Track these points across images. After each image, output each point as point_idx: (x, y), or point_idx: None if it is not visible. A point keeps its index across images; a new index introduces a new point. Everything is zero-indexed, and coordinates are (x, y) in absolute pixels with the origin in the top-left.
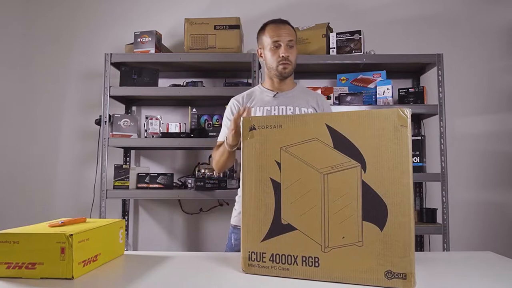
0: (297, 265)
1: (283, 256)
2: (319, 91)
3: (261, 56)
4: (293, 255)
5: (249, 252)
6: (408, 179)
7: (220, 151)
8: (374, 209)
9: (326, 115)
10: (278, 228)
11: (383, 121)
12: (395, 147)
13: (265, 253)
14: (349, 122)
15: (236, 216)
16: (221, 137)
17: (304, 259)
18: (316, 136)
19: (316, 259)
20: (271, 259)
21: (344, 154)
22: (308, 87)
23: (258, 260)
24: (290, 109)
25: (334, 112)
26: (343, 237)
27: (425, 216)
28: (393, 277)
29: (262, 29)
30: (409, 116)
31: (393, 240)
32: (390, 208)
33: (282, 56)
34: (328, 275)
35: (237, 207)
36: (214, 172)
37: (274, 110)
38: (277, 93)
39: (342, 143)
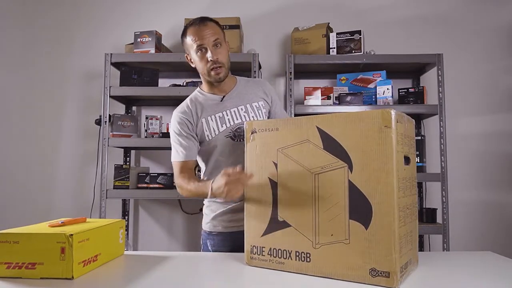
0: (291, 259)
1: (279, 251)
2: (319, 91)
3: (191, 62)
4: (288, 250)
5: (251, 245)
6: (392, 179)
7: (198, 192)
8: (359, 208)
9: (317, 118)
10: (275, 224)
11: (368, 122)
12: (380, 148)
13: (264, 247)
14: (337, 123)
15: (209, 222)
16: (177, 157)
17: (297, 254)
18: (308, 138)
19: (308, 255)
20: (269, 253)
21: (333, 155)
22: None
23: (259, 253)
24: (242, 109)
25: (325, 115)
26: (332, 235)
27: (425, 216)
28: (377, 275)
29: (184, 33)
30: (393, 116)
31: (377, 239)
32: (375, 207)
33: (211, 60)
34: (318, 270)
35: (208, 212)
36: None
37: (227, 115)
38: (224, 96)
39: (331, 144)
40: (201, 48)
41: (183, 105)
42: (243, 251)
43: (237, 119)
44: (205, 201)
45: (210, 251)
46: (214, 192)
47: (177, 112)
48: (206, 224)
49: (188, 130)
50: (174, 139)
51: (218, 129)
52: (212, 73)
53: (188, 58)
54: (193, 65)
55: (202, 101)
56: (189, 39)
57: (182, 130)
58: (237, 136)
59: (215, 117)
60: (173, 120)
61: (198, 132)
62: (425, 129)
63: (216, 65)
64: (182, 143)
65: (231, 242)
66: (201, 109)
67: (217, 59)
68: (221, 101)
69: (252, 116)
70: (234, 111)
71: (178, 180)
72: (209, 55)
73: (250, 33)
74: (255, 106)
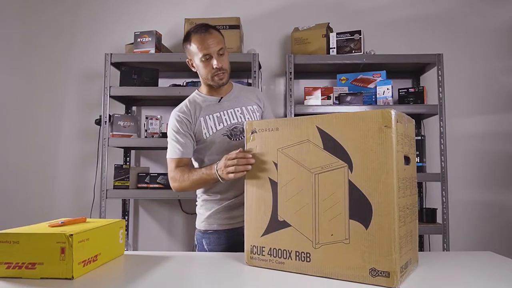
0: (291, 259)
1: (279, 251)
2: (319, 91)
3: (193, 66)
4: (288, 250)
5: (251, 245)
6: (392, 179)
7: (202, 177)
8: (360, 208)
9: (317, 118)
10: (275, 224)
11: (368, 122)
12: (379, 148)
13: (264, 247)
14: (337, 124)
15: (203, 220)
16: (173, 154)
17: (297, 254)
18: (308, 138)
19: (308, 255)
20: (269, 253)
21: (333, 155)
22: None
23: (259, 253)
24: (238, 110)
25: (325, 115)
26: (332, 235)
27: (425, 216)
28: (377, 275)
29: (187, 39)
30: (393, 116)
31: (377, 239)
32: (375, 207)
33: (216, 68)
34: (318, 271)
35: (202, 211)
36: None
37: (225, 115)
38: (222, 97)
39: (331, 145)
40: (207, 57)
41: (182, 105)
42: (239, 249)
43: (233, 119)
44: (199, 201)
45: (206, 250)
46: (221, 174)
47: (176, 111)
48: (201, 223)
49: (186, 128)
50: (171, 137)
51: (216, 128)
52: (216, 78)
53: (190, 63)
54: (194, 70)
55: (200, 102)
56: (193, 47)
57: (180, 128)
58: (233, 135)
59: (213, 116)
60: (172, 118)
61: (196, 131)
62: (425, 129)
63: (220, 71)
64: (180, 140)
65: (227, 239)
66: (199, 109)
67: (221, 67)
68: (219, 102)
69: (248, 118)
70: (231, 111)
71: (172, 173)
72: (214, 63)
73: (250, 33)
74: (250, 109)
